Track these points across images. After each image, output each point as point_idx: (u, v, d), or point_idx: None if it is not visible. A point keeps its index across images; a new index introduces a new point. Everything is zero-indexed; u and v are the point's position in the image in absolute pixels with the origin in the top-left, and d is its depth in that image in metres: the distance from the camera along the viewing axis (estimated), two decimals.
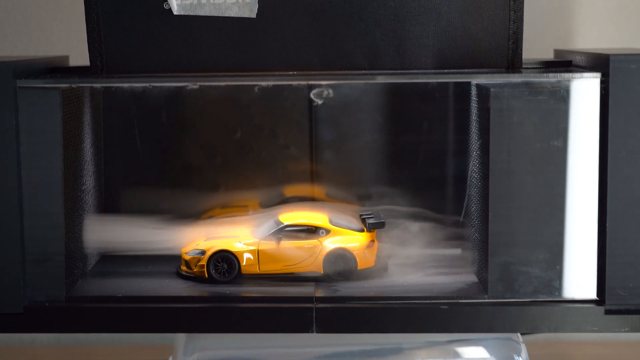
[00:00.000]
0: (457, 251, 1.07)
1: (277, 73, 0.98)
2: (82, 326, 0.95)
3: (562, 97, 0.92)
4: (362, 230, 1.02)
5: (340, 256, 1.00)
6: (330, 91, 1.07)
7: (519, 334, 1.00)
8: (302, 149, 1.11)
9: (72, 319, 0.94)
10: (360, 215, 1.04)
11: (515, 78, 0.93)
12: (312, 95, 1.08)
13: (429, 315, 0.94)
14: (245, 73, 0.99)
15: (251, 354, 0.98)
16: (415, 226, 1.06)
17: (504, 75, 0.94)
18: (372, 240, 1.02)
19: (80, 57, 1.16)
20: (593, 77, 0.92)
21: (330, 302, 0.94)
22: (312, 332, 0.94)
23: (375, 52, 0.99)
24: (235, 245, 1.01)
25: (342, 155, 1.12)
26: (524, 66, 1.01)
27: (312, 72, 0.99)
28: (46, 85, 0.93)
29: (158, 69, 0.99)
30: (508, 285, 0.94)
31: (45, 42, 1.29)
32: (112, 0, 0.99)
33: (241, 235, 1.02)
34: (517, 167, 0.93)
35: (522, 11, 0.99)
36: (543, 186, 0.93)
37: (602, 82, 0.92)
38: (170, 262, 1.04)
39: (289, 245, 1.01)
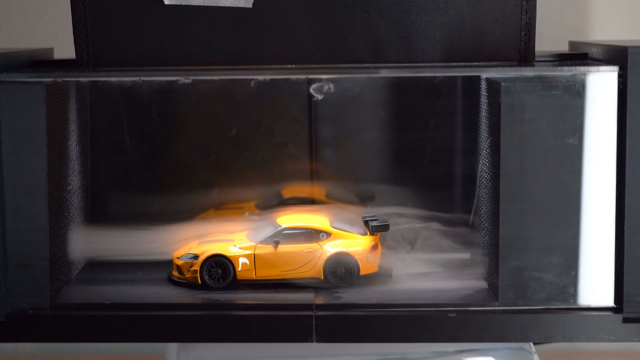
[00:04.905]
0: (466, 255, 1.07)
1: (274, 66, 0.98)
2: (67, 335, 0.95)
3: (577, 92, 0.92)
4: (365, 234, 1.02)
5: (342, 261, 1.00)
6: (331, 86, 1.07)
7: (531, 344, 1.00)
8: (301, 147, 1.11)
9: (57, 327, 0.95)
10: (363, 218, 1.04)
11: (527, 72, 0.93)
12: (311, 90, 1.08)
13: (436, 324, 0.94)
14: (241, 66, 0.99)
15: None
16: (421, 229, 1.06)
17: (516, 68, 0.94)
18: (376, 244, 1.02)
19: (65, 49, 1.16)
20: (610, 71, 0.92)
21: (331, 310, 0.94)
22: (312, 341, 0.94)
23: (379, 44, 0.99)
24: (230, 250, 1.01)
25: (344, 154, 1.12)
26: (536, 59, 1.01)
27: (312, 66, 0.99)
28: (29, 80, 0.93)
29: (148, 62, 0.99)
30: (520, 292, 0.94)
31: (28, 33, 1.29)
32: None
33: (236, 238, 1.02)
34: (530, 166, 0.93)
35: (535, 0, 0.99)
36: (557, 187, 0.93)
37: (619, 76, 0.92)
38: (161, 268, 1.05)
39: (287, 249, 1.01)
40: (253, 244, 1.01)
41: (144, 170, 1.12)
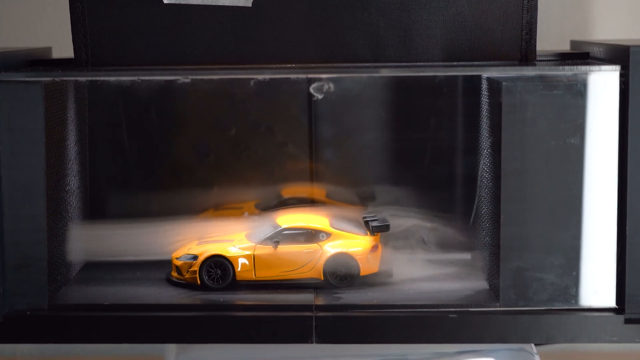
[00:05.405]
0: (467, 256, 1.07)
1: (274, 66, 0.98)
2: (66, 336, 0.95)
3: (579, 91, 0.92)
4: (365, 234, 1.02)
5: (342, 261, 1.00)
6: (331, 85, 1.07)
7: (532, 345, 1.00)
8: (301, 147, 1.11)
9: (55, 328, 0.94)
10: (363, 218, 1.04)
11: (528, 71, 0.93)
12: (311, 90, 1.08)
13: (437, 325, 0.94)
14: (241, 66, 0.99)
15: None
16: (421, 229, 1.06)
17: (517, 68, 0.94)
18: (376, 245, 1.02)
19: (64, 48, 1.16)
20: (612, 70, 0.92)
21: (331, 311, 0.94)
22: (312, 342, 0.94)
23: (379, 43, 0.99)
24: (229, 250, 1.00)
25: (344, 154, 1.12)
26: (538, 58, 1.01)
27: (312, 65, 0.99)
28: (28, 79, 0.93)
29: (147, 62, 0.99)
30: (521, 293, 0.94)
31: (26, 32, 1.29)
32: None
33: (236, 239, 1.02)
34: (531, 166, 0.93)
35: None
36: (558, 187, 0.93)
37: (621, 75, 0.92)
38: (160, 268, 1.04)
39: (287, 249, 1.01)
40: (253, 244, 1.01)
41: (142, 170, 1.12)
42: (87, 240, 1.06)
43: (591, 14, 1.29)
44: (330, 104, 1.09)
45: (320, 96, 1.08)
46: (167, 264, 1.04)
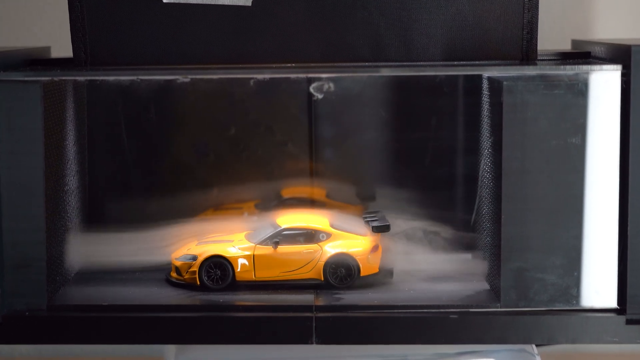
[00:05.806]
0: (468, 256, 1.07)
1: (274, 65, 0.98)
2: (64, 337, 0.95)
3: (580, 91, 0.92)
4: (366, 234, 1.02)
5: (342, 262, 1.00)
6: (331, 85, 1.07)
7: (533, 346, 1.00)
8: (301, 147, 1.11)
9: (54, 329, 0.94)
10: (364, 218, 1.04)
11: (529, 70, 0.93)
12: (311, 89, 1.07)
13: (437, 325, 0.94)
14: (240, 65, 0.99)
15: None
16: (422, 229, 1.06)
17: (518, 67, 0.94)
18: (376, 245, 1.02)
19: (62, 48, 1.16)
20: (613, 70, 0.92)
21: (331, 311, 0.94)
22: (312, 343, 0.94)
23: (380, 42, 0.99)
24: (229, 250, 1.00)
25: (344, 154, 1.12)
26: (539, 58, 1.01)
27: (312, 64, 0.99)
28: (26, 79, 0.93)
29: (146, 61, 0.99)
30: (522, 293, 0.94)
31: (25, 32, 1.29)
32: None
33: (235, 239, 1.02)
34: (532, 166, 0.93)
35: None
36: (559, 187, 0.93)
37: (622, 75, 0.92)
38: (160, 269, 1.04)
39: (287, 250, 1.00)
40: (252, 244, 1.01)
41: (141, 170, 1.12)
42: (86, 240, 1.06)
43: (592, 13, 1.29)
44: (330, 104, 1.09)
45: (320, 96, 1.08)
46: (166, 264, 1.03)
